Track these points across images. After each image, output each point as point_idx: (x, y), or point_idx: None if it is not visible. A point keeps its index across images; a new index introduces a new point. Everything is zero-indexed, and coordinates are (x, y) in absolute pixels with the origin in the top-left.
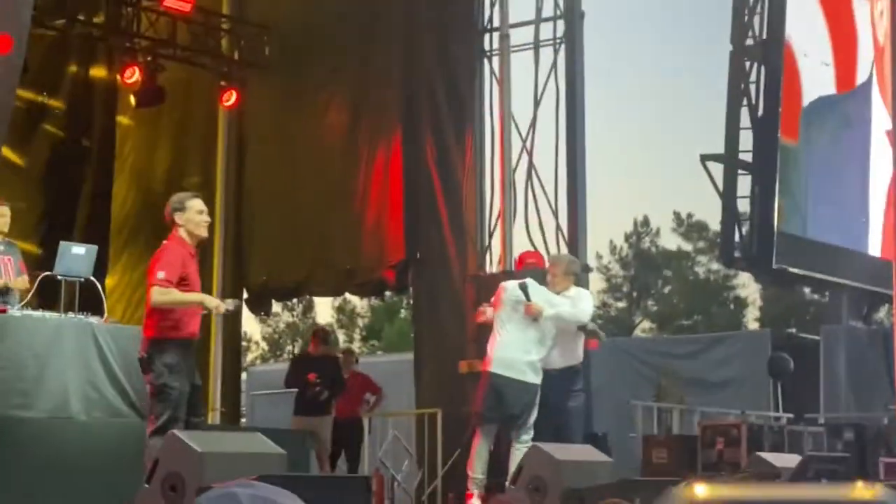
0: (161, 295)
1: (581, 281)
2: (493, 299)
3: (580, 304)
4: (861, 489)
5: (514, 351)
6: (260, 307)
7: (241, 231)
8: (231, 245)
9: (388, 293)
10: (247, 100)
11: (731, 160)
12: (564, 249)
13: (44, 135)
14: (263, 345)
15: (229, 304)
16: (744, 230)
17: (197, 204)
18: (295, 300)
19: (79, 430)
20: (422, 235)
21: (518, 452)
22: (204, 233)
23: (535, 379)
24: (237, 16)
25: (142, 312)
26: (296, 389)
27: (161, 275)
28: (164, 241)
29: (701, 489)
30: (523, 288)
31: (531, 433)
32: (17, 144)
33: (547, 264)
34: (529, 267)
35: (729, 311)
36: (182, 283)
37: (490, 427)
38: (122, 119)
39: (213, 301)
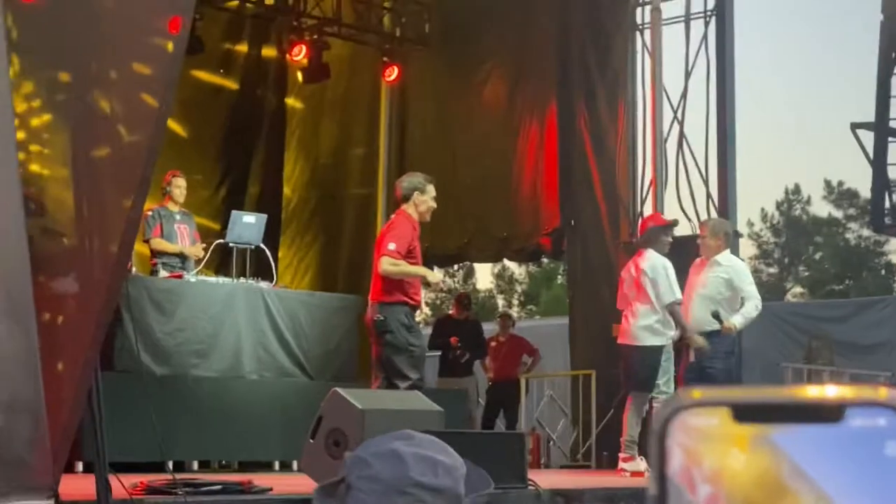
0: (391, 265)
1: (732, 246)
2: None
3: (749, 294)
4: (869, 388)
5: (627, 319)
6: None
7: None
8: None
9: (544, 259)
10: (408, 75)
11: (881, 128)
12: (715, 216)
13: (219, 111)
14: (426, 309)
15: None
16: (894, 197)
17: (433, 189)
18: (456, 266)
19: (250, 388)
20: (576, 203)
21: (656, 405)
22: (428, 217)
23: (654, 341)
24: None
25: (310, 278)
26: (439, 352)
27: (392, 246)
28: (393, 216)
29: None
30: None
31: (667, 390)
32: (195, 120)
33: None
34: (647, 230)
35: (880, 277)
36: (409, 256)
37: (635, 393)
38: (291, 95)
39: (435, 276)
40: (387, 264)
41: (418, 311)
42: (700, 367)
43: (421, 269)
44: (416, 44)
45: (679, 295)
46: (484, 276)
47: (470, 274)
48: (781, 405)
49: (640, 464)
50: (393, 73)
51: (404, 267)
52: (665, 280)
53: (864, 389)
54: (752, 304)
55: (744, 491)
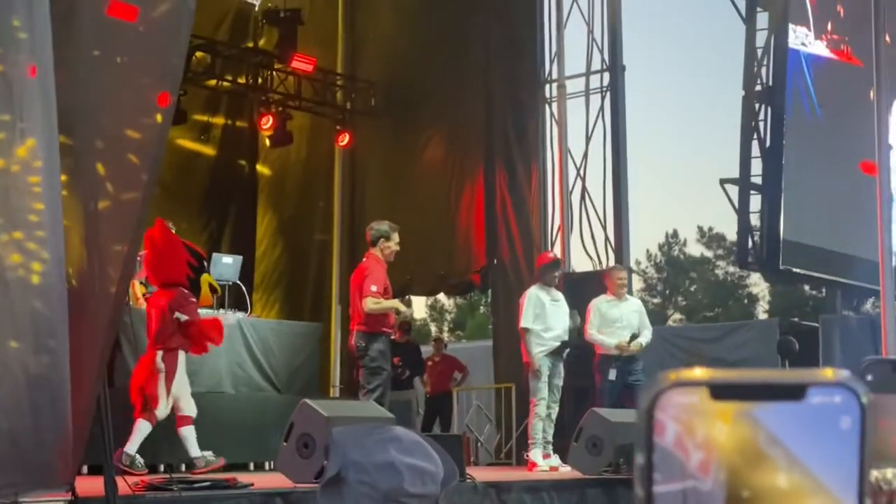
0: (374, 304)
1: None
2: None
3: (646, 326)
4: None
5: None
6: None
7: (355, 246)
8: (347, 258)
9: (473, 293)
10: (358, 140)
11: (744, 183)
12: (612, 256)
13: (200, 172)
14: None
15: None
16: (755, 239)
17: (397, 237)
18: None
19: (229, 401)
20: (499, 246)
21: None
22: (392, 259)
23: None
24: (349, 73)
25: (278, 309)
26: None
27: (374, 288)
28: (364, 259)
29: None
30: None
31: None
32: (180, 179)
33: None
34: (538, 268)
35: (743, 305)
36: (384, 293)
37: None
38: (260, 158)
39: (404, 308)
40: (371, 304)
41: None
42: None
43: (395, 303)
44: (364, 115)
45: (529, 324)
46: (419, 307)
47: (408, 305)
48: (754, 386)
49: (555, 459)
50: (345, 139)
51: (383, 303)
52: (525, 308)
53: (822, 372)
54: (649, 338)
55: (729, 456)
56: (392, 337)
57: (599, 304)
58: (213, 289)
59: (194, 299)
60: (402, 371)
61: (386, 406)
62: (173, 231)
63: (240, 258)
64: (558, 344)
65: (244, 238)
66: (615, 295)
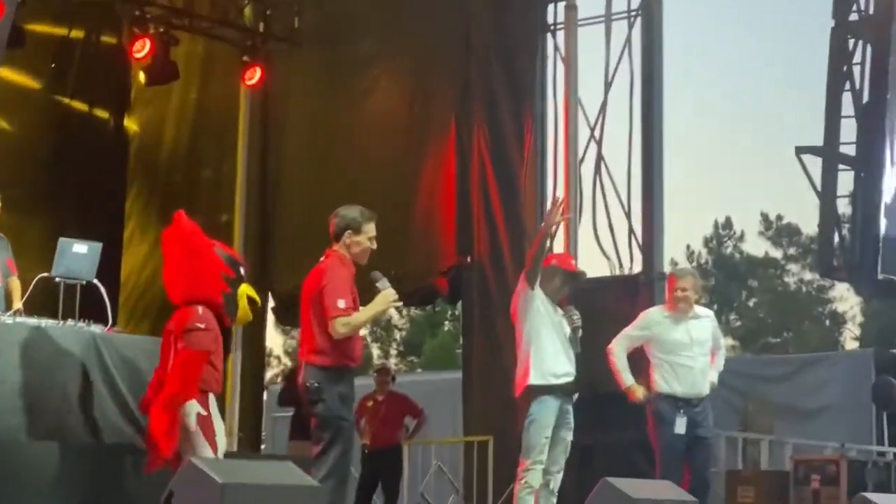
0: (346, 326)
1: (658, 290)
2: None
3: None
4: None
5: None
6: (287, 318)
7: (266, 231)
8: (254, 247)
9: (436, 304)
10: (274, 79)
11: (830, 153)
12: (637, 254)
13: (46, 117)
14: (286, 360)
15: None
16: (844, 234)
17: (372, 228)
18: None
19: (78, 453)
20: (474, 238)
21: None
22: (364, 260)
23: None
24: None
25: (151, 320)
26: (292, 410)
27: (341, 304)
28: (323, 260)
29: None
30: None
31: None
32: (15, 126)
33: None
34: (547, 267)
35: (824, 328)
36: (354, 305)
37: None
38: (131, 99)
39: (387, 297)
40: (341, 326)
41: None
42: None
43: (375, 307)
44: (283, 42)
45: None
46: None
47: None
48: None
49: None
50: (255, 76)
51: (358, 318)
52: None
53: None
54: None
55: None
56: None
57: (655, 318)
58: (251, 301)
59: (203, 326)
60: None
61: (346, 472)
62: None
63: (98, 246)
64: (569, 380)
65: (105, 218)
66: (674, 310)
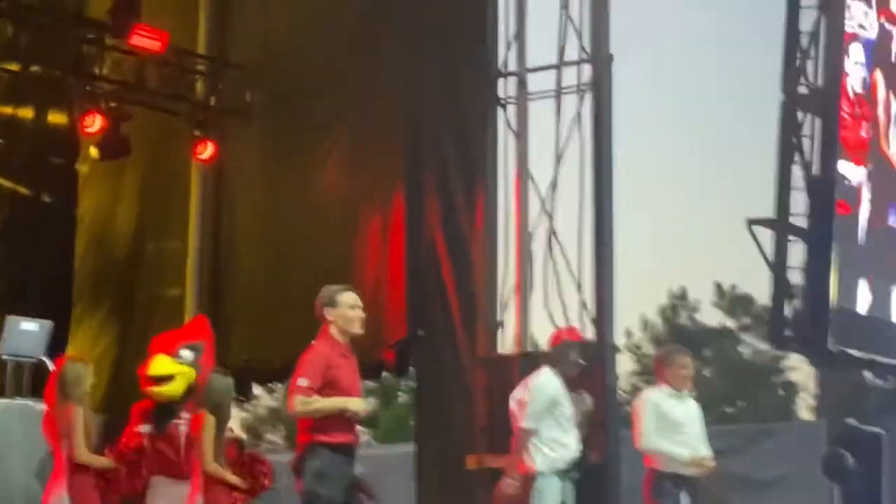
0: (301, 405)
1: (609, 362)
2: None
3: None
4: None
5: None
6: (240, 391)
7: (218, 304)
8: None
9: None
10: (225, 153)
11: (781, 225)
12: (589, 327)
13: None
14: (240, 432)
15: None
16: (796, 305)
17: (349, 298)
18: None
19: None
20: (425, 310)
21: None
22: (358, 329)
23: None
24: (215, 56)
25: (101, 397)
26: None
27: (302, 382)
28: (314, 341)
29: None
30: None
31: None
32: None
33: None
34: (560, 343)
35: (778, 399)
36: (328, 388)
37: None
38: (83, 175)
39: (355, 403)
40: (297, 404)
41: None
42: None
43: (338, 401)
44: (235, 115)
45: (532, 426)
46: None
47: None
48: None
49: None
50: (207, 151)
51: (315, 404)
52: (537, 404)
53: None
54: None
55: None
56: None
57: (658, 400)
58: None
59: None
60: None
61: None
62: None
63: (49, 324)
64: (574, 458)
65: (53, 294)
66: (677, 388)
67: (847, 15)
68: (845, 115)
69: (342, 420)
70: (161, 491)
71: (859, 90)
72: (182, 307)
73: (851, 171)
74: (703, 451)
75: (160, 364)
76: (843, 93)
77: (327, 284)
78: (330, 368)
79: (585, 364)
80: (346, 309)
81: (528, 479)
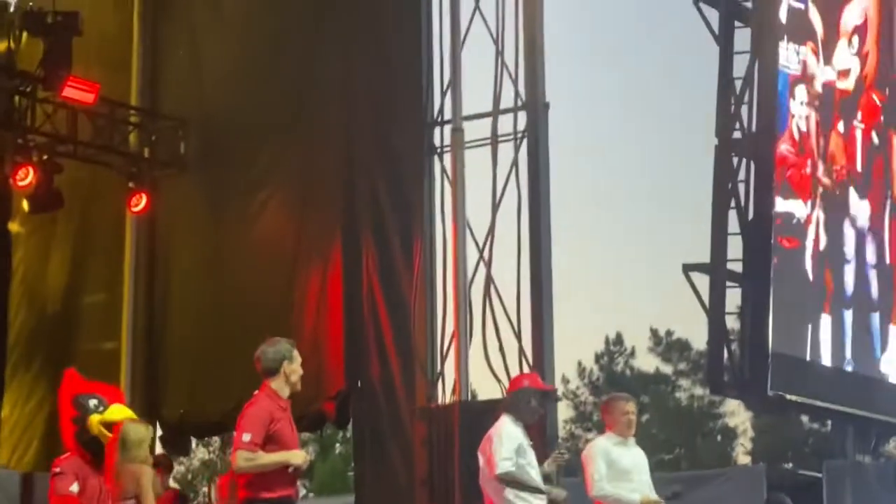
0: (245, 461)
1: (550, 411)
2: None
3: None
4: None
5: None
6: (176, 446)
7: (154, 356)
8: (141, 373)
9: (325, 427)
10: (160, 204)
11: (717, 270)
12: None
13: None
14: (174, 484)
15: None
16: (733, 350)
17: (297, 354)
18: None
19: None
20: (363, 361)
21: None
22: (300, 387)
23: None
24: (148, 108)
25: (35, 452)
26: None
27: (246, 437)
28: (256, 393)
29: None
30: None
31: None
32: None
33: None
34: (519, 390)
35: (716, 444)
36: (270, 443)
37: None
38: (14, 226)
39: (299, 457)
40: (241, 460)
41: None
42: None
43: (282, 456)
44: (169, 167)
45: (509, 468)
46: None
47: (228, 443)
48: None
49: None
50: (141, 202)
51: (260, 460)
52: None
53: None
54: None
55: None
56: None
57: (606, 447)
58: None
59: (59, 470)
60: None
61: None
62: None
63: None
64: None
65: None
66: (623, 435)
67: (787, 59)
68: (790, 155)
69: (284, 474)
70: None
71: (804, 129)
72: (118, 361)
73: (798, 208)
74: (653, 496)
75: (121, 411)
76: (788, 134)
77: (272, 337)
78: (272, 423)
79: (543, 412)
80: (297, 364)
81: None
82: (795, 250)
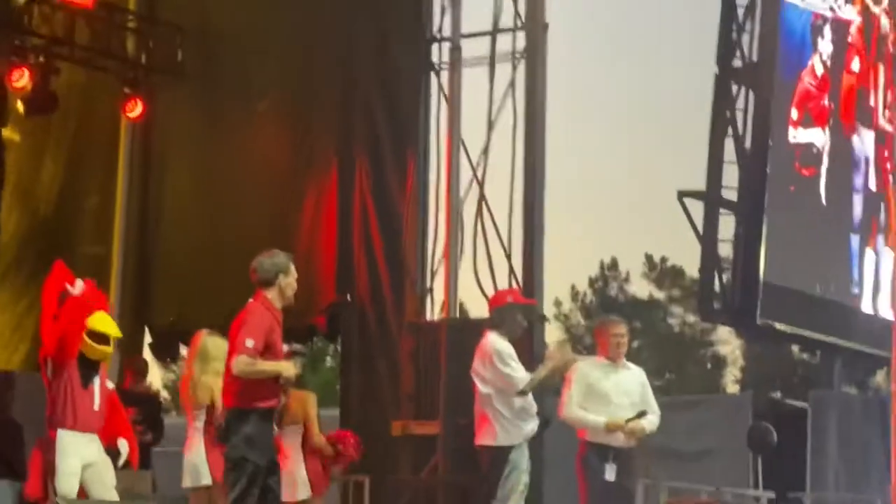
0: (247, 365)
1: (538, 333)
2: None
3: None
4: None
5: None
6: (165, 351)
7: (145, 262)
8: (132, 278)
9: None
10: (155, 111)
11: (712, 198)
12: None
13: None
14: (165, 394)
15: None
16: (725, 278)
17: (294, 268)
18: None
19: None
20: (355, 276)
21: None
22: (292, 302)
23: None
24: (146, 13)
25: (24, 353)
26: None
27: (249, 343)
28: (250, 302)
29: None
30: None
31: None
32: None
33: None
34: (503, 306)
35: (706, 371)
36: (267, 352)
37: None
38: (8, 127)
39: (291, 369)
40: (242, 364)
41: None
42: None
43: (275, 366)
44: (165, 74)
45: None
46: None
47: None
48: None
49: None
50: (136, 109)
51: (259, 366)
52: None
53: None
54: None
55: None
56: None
57: (586, 370)
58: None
59: None
60: (143, 432)
61: None
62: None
63: None
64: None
65: None
66: (610, 358)
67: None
68: (811, 88)
69: (274, 384)
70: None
71: (828, 63)
72: (109, 265)
73: (817, 136)
74: (624, 415)
75: (108, 323)
76: (811, 68)
77: (268, 249)
78: (271, 332)
79: (528, 326)
80: (293, 279)
81: (495, 450)
82: (812, 178)
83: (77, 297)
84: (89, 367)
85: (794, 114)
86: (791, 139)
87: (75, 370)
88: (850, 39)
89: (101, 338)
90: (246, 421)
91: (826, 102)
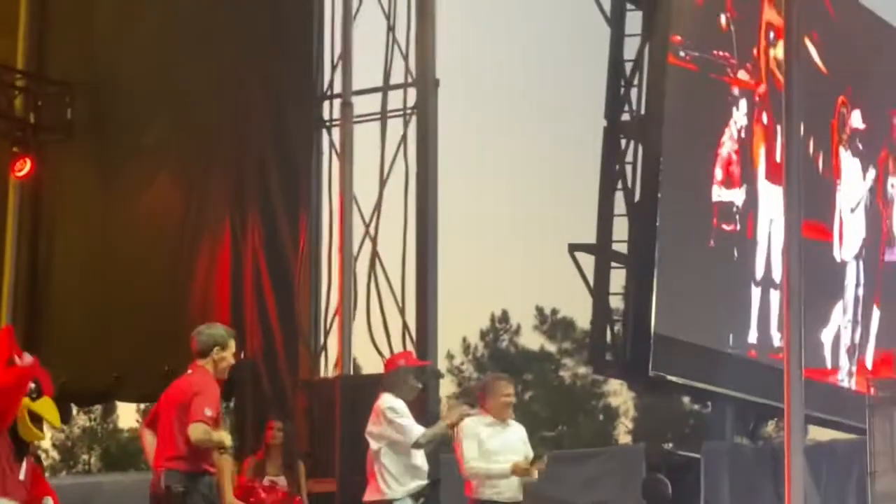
0: (205, 433)
1: (432, 389)
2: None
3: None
4: None
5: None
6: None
7: (36, 324)
8: (21, 339)
9: None
10: (45, 170)
11: (603, 251)
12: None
13: None
14: (54, 453)
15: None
16: (616, 330)
17: (233, 345)
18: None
19: None
20: (247, 333)
21: None
22: (226, 375)
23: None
24: (35, 71)
25: None
26: None
27: (209, 412)
28: (189, 372)
29: None
30: None
31: None
32: None
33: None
34: (396, 369)
35: (598, 423)
36: (215, 422)
37: None
38: None
39: (228, 438)
40: (201, 433)
41: None
42: None
43: (222, 435)
44: (55, 132)
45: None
46: (127, 413)
47: (110, 410)
48: None
49: None
50: (24, 168)
51: (213, 435)
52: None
53: None
54: None
55: None
56: None
57: (475, 428)
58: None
59: None
60: None
61: None
62: None
63: None
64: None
65: None
66: (498, 417)
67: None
68: (733, 154)
69: (213, 451)
70: None
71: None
72: None
73: (736, 195)
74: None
75: (51, 410)
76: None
77: (210, 322)
78: (219, 402)
79: (422, 388)
80: (229, 353)
81: None
82: (733, 233)
83: (26, 368)
84: (21, 443)
85: (719, 174)
86: (715, 197)
87: (6, 439)
88: (756, 100)
89: (39, 421)
90: (199, 483)
91: (740, 164)
